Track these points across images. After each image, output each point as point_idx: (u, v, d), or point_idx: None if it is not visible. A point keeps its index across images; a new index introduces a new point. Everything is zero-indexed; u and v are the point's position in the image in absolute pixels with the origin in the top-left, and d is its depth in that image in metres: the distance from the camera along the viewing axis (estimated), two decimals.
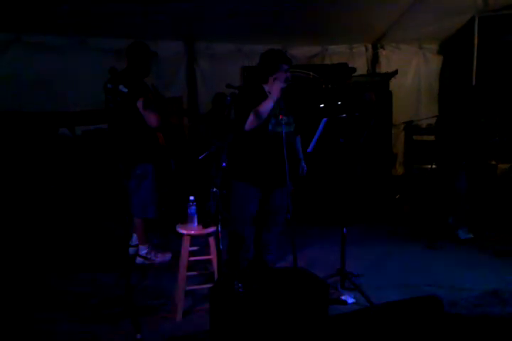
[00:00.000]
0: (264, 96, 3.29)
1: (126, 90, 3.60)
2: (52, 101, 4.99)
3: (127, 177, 3.79)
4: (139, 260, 3.92)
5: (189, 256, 3.04)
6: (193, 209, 3.06)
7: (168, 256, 4.01)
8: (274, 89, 3.15)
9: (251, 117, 3.14)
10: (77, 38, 5.10)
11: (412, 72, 6.83)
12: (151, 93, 3.73)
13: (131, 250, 3.96)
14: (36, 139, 4.79)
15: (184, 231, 3.03)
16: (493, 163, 5.06)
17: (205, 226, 3.05)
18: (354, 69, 5.58)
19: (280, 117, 3.24)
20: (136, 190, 3.79)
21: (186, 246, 3.03)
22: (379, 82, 5.85)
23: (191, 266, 3.11)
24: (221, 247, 2.85)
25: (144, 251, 3.95)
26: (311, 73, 5.75)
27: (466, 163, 4.35)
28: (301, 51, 6.44)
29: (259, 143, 3.28)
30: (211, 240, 3.06)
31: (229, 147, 3.36)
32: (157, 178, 3.88)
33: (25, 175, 4.61)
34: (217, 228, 2.85)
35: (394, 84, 6.04)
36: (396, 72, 5.86)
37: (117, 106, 3.67)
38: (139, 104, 3.58)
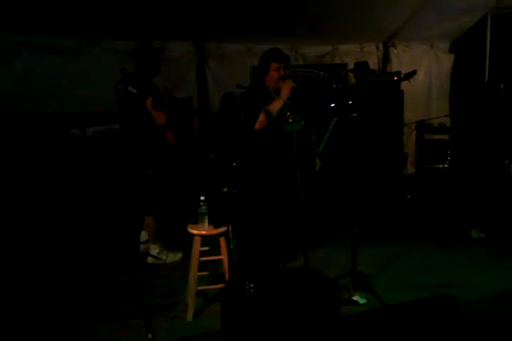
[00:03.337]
0: (269, 95, 3.28)
1: (135, 90, 3.63)
2: (64, 102, 5.02)
3: (139, 177, 3.81)
4: (150, 259, 3.94)
5: (200, 256, 3.05)
6: (203, 209, 3.06)
7: (179, 255, 4.02)
8: (284, 88, 3.14)
9: (261, 117, 3.14)
10: (89, 39, 5.13)
11: (424, 71, 6.77)
12: (160, 92, 3.75)
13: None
14: (48, 140, 4.83)
15: (195, 232, 3.04)
16: (506, 162, 5.00)
17: (215, 227, 3.05)
18: (373, 71, 5.59)
19: (287, 115, 3.23)
20: (146, 189, 3.82)
21: (197, 246, 3.03)
22: (390, 81, 5.82)
23: (202, 266, 3.11)
24: (232, 247, 2.86)
25: (155, 250, 3.97)
26: (322, 73, 5.73)
27: (482, 162, 4.30)
28: (312, 50, 6.42)
29: (270, 142, 3.28)
30: (222, 240, 3.06)
31: (239, 147, 3.36)
32: (168, 178, 3.90)
33: (36, 175, 4.65)
34: (228, 228, 2.85)
35: (405, 83, 5.99)
36: (414, 72, 5.79)
37: (128, 107, 3.69)
38: (148, 103, 3.60)
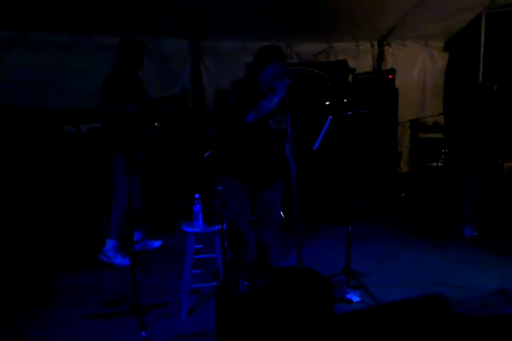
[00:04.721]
0: (261, 91, 3.25)
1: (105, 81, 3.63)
2: (58, 99, 5.00)
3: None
4: (100, 256, 3.87)
5: (194, 254, 3.04)
6: (197, 207, 3.05)
7: (127, 259, 3.74)
8: (279, 85, 3.12)
9: (253, 112, 3.11)
10: (83, 35, 5.11)
11: (418, 70, 6.80)
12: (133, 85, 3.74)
13: (137, 246, 3.95)
14: (42, 136, 4.80)
15: (189, 229, 3.03)
16: (500, 161, 5.02)
17: (210, 224, 3.04)
18: (353, 69, 5.58)
19: (276, 112, 3.21)
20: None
21: (191, 244, 3.02)
22: (384, 80, 5.83)
23: (196, 264, 3.10)
24: (226, 245, 2.85)
25: (108, 247, 3.85)
26: (316, 71, 5.73)
27: (478, 161, 4.32)
28: (307, 48, 6.42)
29: (256, 138, 3.24)
30: (216, 238, 3.05)
31: (221, 142, 3.33)
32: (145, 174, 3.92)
33: (31, 171, 4.63)
34: (222, 226, 2.84)
35: (399, 81, 6.01)
36: (393, 70, 5.83)
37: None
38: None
